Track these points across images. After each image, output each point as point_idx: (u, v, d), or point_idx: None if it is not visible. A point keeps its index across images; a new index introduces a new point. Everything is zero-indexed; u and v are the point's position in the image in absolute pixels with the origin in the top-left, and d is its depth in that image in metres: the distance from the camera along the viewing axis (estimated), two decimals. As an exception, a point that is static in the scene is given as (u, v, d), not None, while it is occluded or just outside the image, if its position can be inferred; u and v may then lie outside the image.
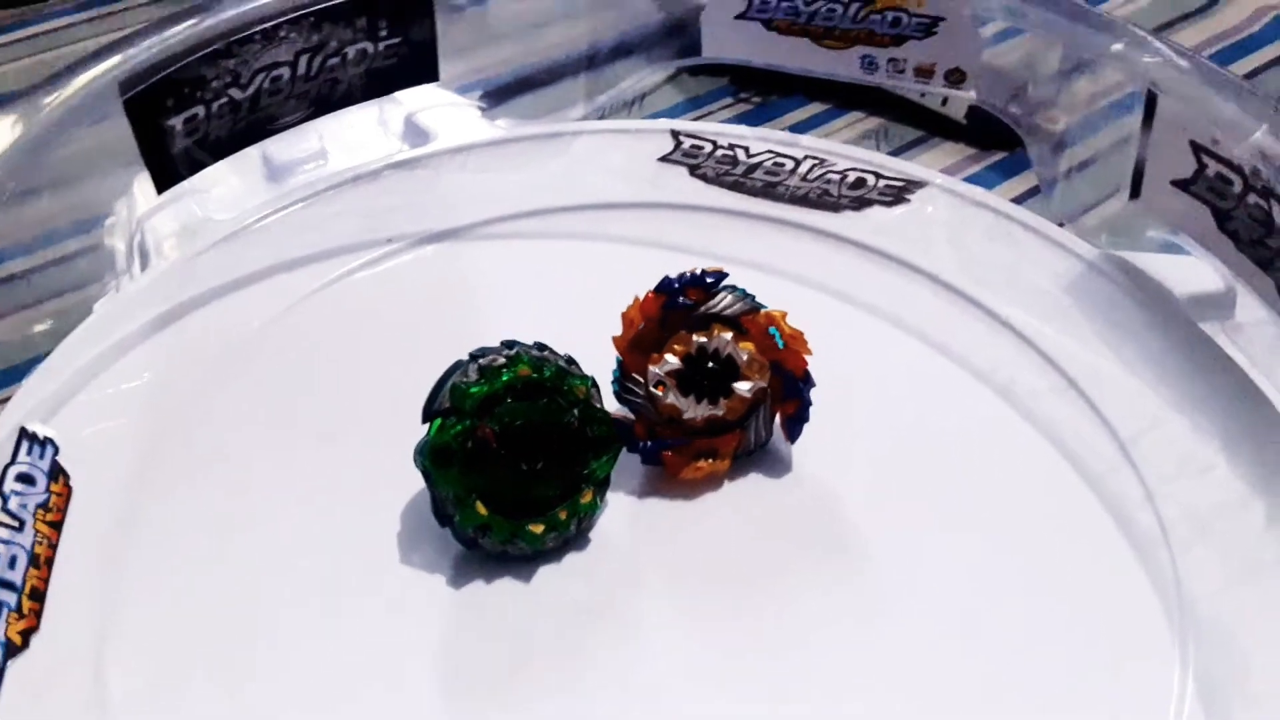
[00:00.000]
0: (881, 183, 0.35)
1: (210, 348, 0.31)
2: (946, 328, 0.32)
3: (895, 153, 0.42)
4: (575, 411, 0.26)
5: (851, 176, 0.35)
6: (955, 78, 0.40)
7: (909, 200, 0.35)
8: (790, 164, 0.36)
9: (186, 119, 0.31)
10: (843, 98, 0.44)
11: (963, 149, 0.43)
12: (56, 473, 0.27)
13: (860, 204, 0.35)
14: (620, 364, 0.28)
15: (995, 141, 0.42)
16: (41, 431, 0.27)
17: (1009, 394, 0.30)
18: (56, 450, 0.27)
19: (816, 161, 0.36)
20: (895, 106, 0.44)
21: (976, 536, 0.27)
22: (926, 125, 0.43)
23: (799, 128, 0.43)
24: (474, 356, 0.26)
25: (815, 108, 0.45)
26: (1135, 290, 0.32)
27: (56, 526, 0.26)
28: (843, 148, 0.37)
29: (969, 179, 0.39)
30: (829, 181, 0.35)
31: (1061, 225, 0.35)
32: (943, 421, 0.30)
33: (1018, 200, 0.39)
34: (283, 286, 0.33)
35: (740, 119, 0.43)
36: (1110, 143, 0.39)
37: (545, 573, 0.26)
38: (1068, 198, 0.37)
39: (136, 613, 0.25)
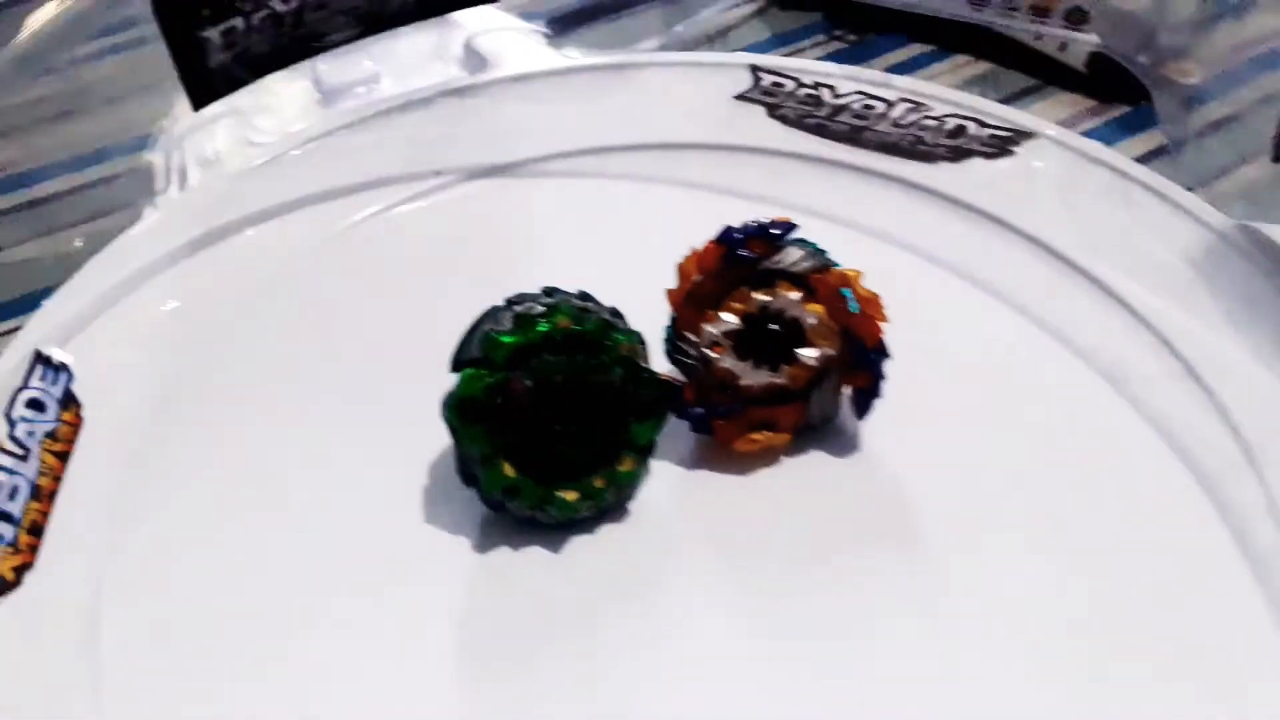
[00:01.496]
0: (985, 131, 0.32)
1: (241, 278, 0.30)
2: (1048, 299, 0.28)
3: (1004, 102, 0.38)
4: (618, 369, 0.24)
5: (951, 123, 0.32)
6: (1075, 18, 0.36)
7: (1015, 153, 0.31)
8: (881, 106, 0.33)
9: (224, 31, 0.29)
10: (948, 39, 0.41)
11: (1080, 101, 0.39)
12: (69, 401, 0.25)
13: (958, 154, 0.31)
14: (673, 320, 0.25)
15: (1118, 94, 0.38)
16: (57, 356, 0.26)
17: (1116, 378, 0.27)
18: (71, 377, 0.26)
19: (911, 105, 0.32)
20: (1007, 50, 0.40)
21: (1065, 540, 0.24)
22: (1041, 73, 0.40)
23: (896, 70, 0.40)
24: (510, 303, 0.24)
25: (916, 49, 0.41)
26: (1272, 269, 0.28)
27: (63, 458, 0.25)
28: (943, 90, 0.33)
29: (1086, 134, 0.36)
30: (924, 128, 0.32)
31: (1191, 190, 0.31)
32: (1036, 405, 0.27)
33: (1141, 161, 0.35)
34: (321, 217, 0.31)
35: (832, 59, 0.40)
36: (1252, 100, 0.35)
37: (577, 543, 0.24)
38: (1199, 160, 0.33)
39: (139, 556, 0.24)
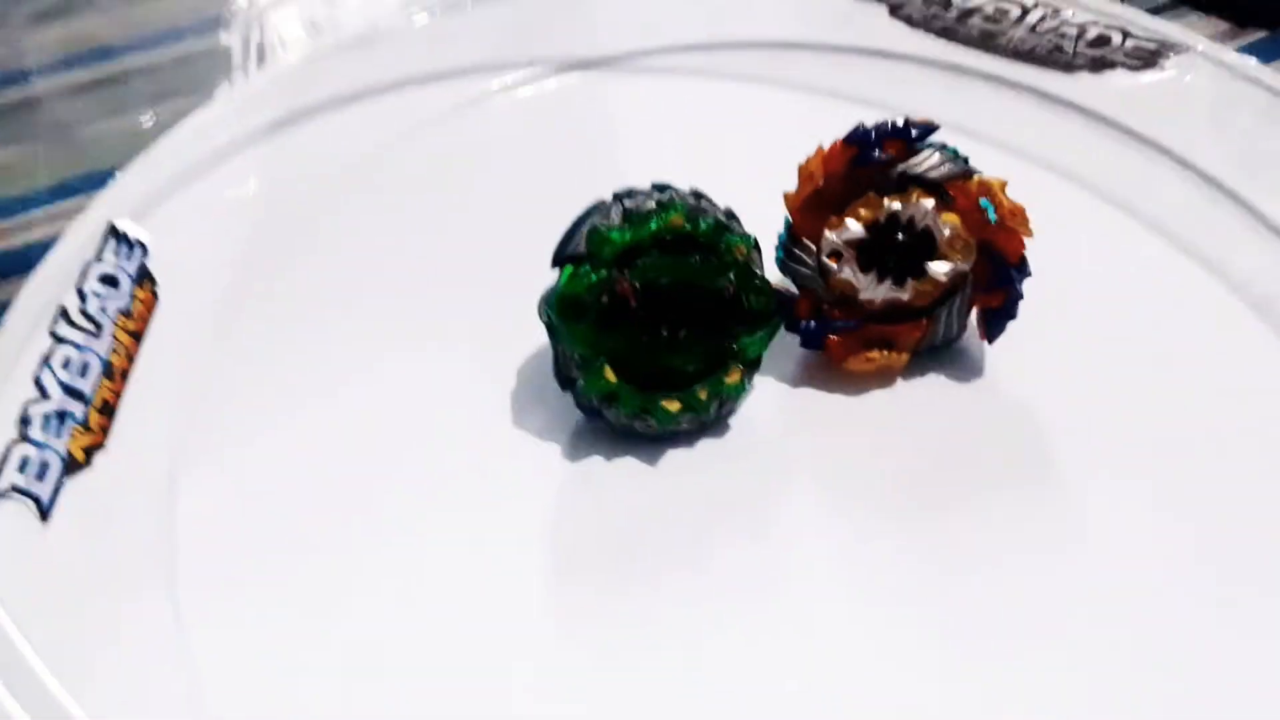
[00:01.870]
0: (1130, 42, 0.29)
1: (324, 163, 0.28)
2: (1197, 225, 0.26)
3: None
4: (731, 275, 0.22)
5: (1092, 32, 0.29)
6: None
7: (1163, 67, 0.29)
8: (1017, 11, 0.30)
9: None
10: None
11: (1214, 23, 0.36)
12: (143, 277, 0.24)
13: (1100, 65, 0.29)
14: (789, 225, 0.24)
15: (1257, 15, 0.35)
16: (132, 232, 0.25)
17: (1268, 312, 0.24)
18: (146, 253, 0.25)
19: (1049, 10, 0.30)
20: None
21: (1201, 487, 0.22)
22: None
23: None
24: (619, 197, 0.22)
25: None
26: None
27: (137, 337, 0.23)
28: (1083, -2, 0.30)
29: None
30: (1063, 36, 0.29)
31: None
32: (1178, 338, 0.24)
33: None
34: (409, 103, 0.29)
35: None
36: None
37: (674, 456, 0.23)
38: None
39: (215, 444, 0.23)
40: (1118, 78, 0.29)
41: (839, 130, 0.23)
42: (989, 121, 0.28)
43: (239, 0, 0.33)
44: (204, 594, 0.20)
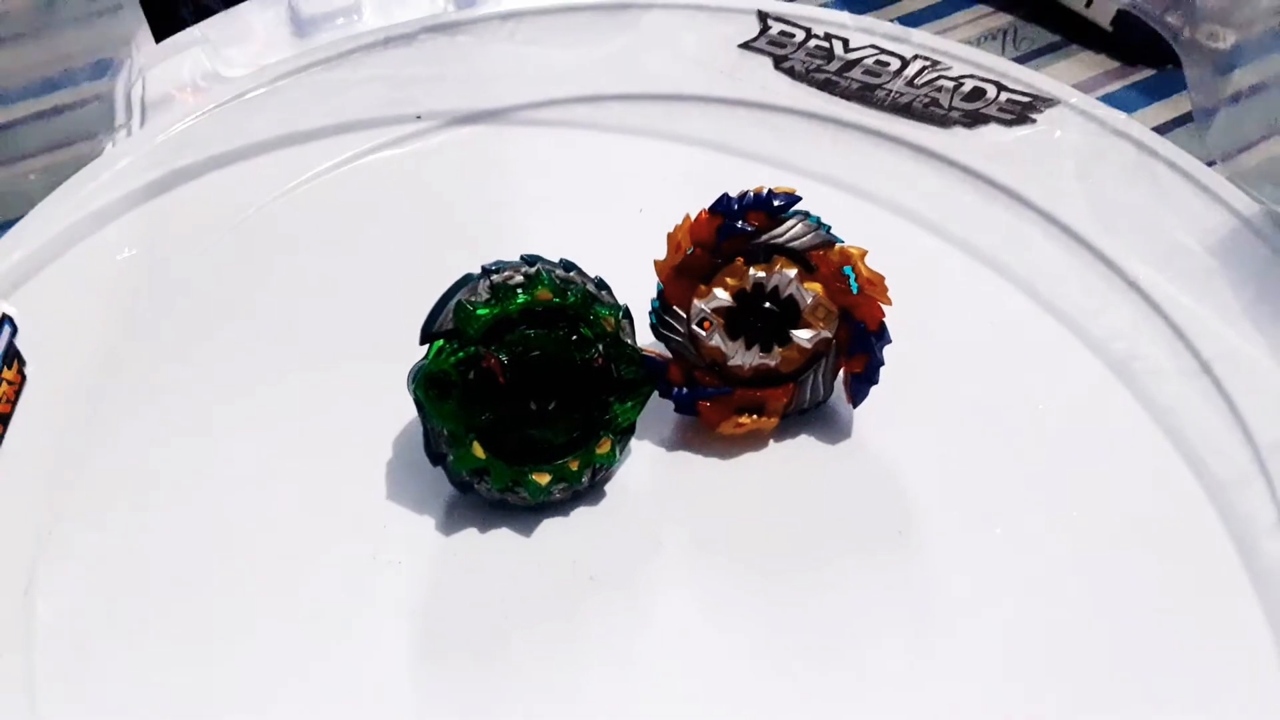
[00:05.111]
0: (1003, 96, 0.30)
1: (201, 226, 0.28)
2: (1059, 281, 0.27)
3: (1023, 59, 0.37)
4: (600, 347, 0.23)
5: (968, 85, 0.30)
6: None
7: (1034, 120, 0.30)
8: (896, 64, 0.31)
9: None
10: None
11: (1104, 61, 0.38)
12: (11, 357, 0.24)
13: (974, 120, 0.30)
14: (660, 293, 0.24)
15: (1143, 56, 0.37)
16: (1, 309, 0.25)
17: (1125, 371, 0.26)
18: (15, 330, 0.25)
19: (928, 64, 0.31)
20: (1028, 2, 0.38)
21: (1061, 541, 0.23)
22: (1064, 28, 0.38)
23: (911, 20, 0.38)
24: (487, 271, 0.23)
25: None
26: (1300, 260, 0.27)
27: (3, 420, 0.23)
28: (962, 49, 0.31)
29: (1106, 98, 0.34)
30: (940, 89, 0.30)
31: (1212, 164, 0.30)
32: (1040, 397, 0.26)
33: (1162, 130, 0.33)
34: (290, 161, 0.29)
35: (843, 3, 0.38)
36: (1285, 69, 0.33)
37: (548, 527, 0.23)
38: (1226, 131, 0.32)
39: (81, 527, 0.23)
40: (991, 133, 0.30)
41: (721, 186, 0.24)
42: (867, 176, 0.29)
43: (125, 49, 0.33)
44: (61, 685, 0.20)
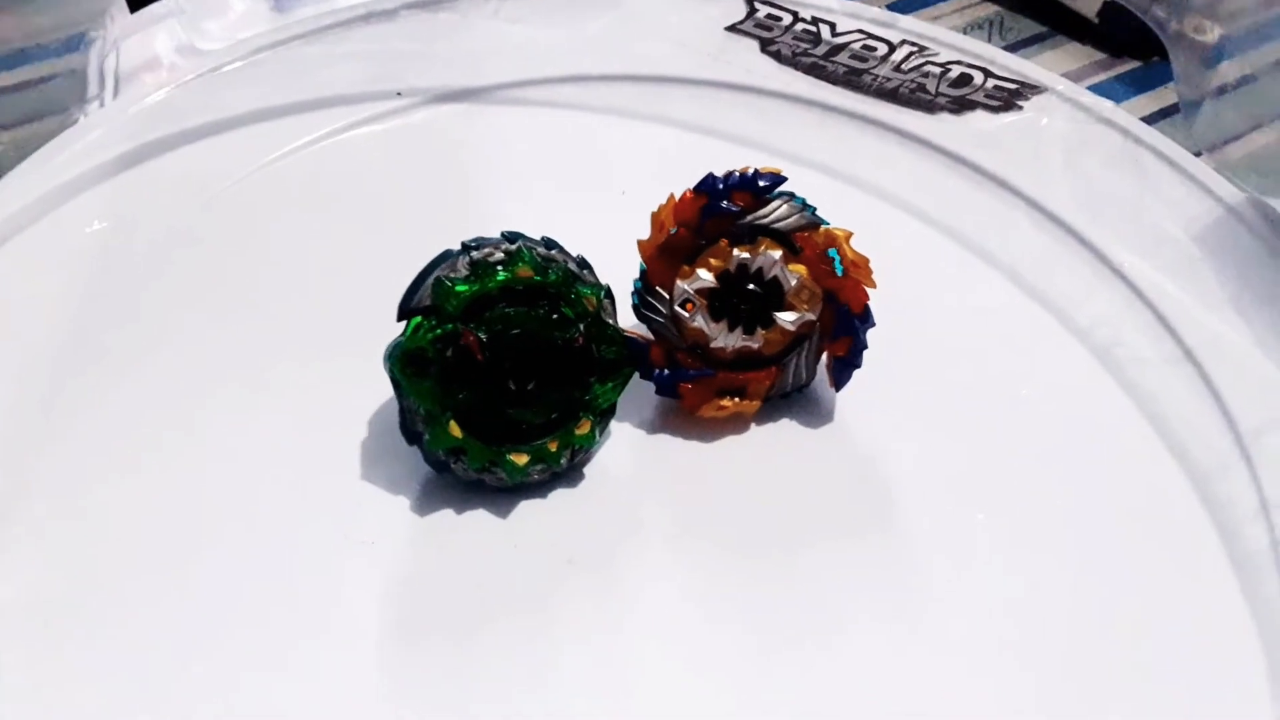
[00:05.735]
0: (990, 83, 0.30)
1: (173, 200, 0.28)
2: (1044, 268, 0.27)
3: (1009, 50, 0.37)
4: (580, 326, 0.22)
5: (955, 71, 0.30)
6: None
7: (1021, 107, 0.30)
8: (883, 49, 0.31)
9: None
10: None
11: (1090, 53, 0.38)
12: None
13: (961, 106, 0.30)
14: (643, 273, 0.24)
15: (1129, 47, 0.37)
16: (-33, 280, 0.24)
17: (1109, 358, 0.26)
18: (-19, 302, 0.24)
19: (915, 49, 0.31)
20: None
21: (1044, 528, 0.23)
22: (1050, 19, 0.38)
23: (897, 9, 0.38)
24: (467, 248, 0.23)
25: None
26: (1282, 248, 0.27)
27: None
28: (949, 35, 0.31)
29: (1092, 89, 0.34)
30: (927, 75, 0.30)
31: (1199, 155, 0.30)
32: (1023, 383, 0.26)
33: (1149, 120, 0.33)
34: (266, 136, 0.29)
35: None
36: (1271, 62, 0.33)
37: (525, 509, 0.23)
38: (1212, 123, 0.32)
39: (41, 513, 0.22)
40: (978, 119, 0.30)
41: (704, 167, 0.24)
42: (853, 161, 0.29)
43: (95, 25, 0.32)
44: (23, 669, 0.20)
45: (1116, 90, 0.36)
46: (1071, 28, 0.38)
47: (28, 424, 0.23)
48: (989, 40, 0.37)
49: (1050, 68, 0.35)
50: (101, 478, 0.23)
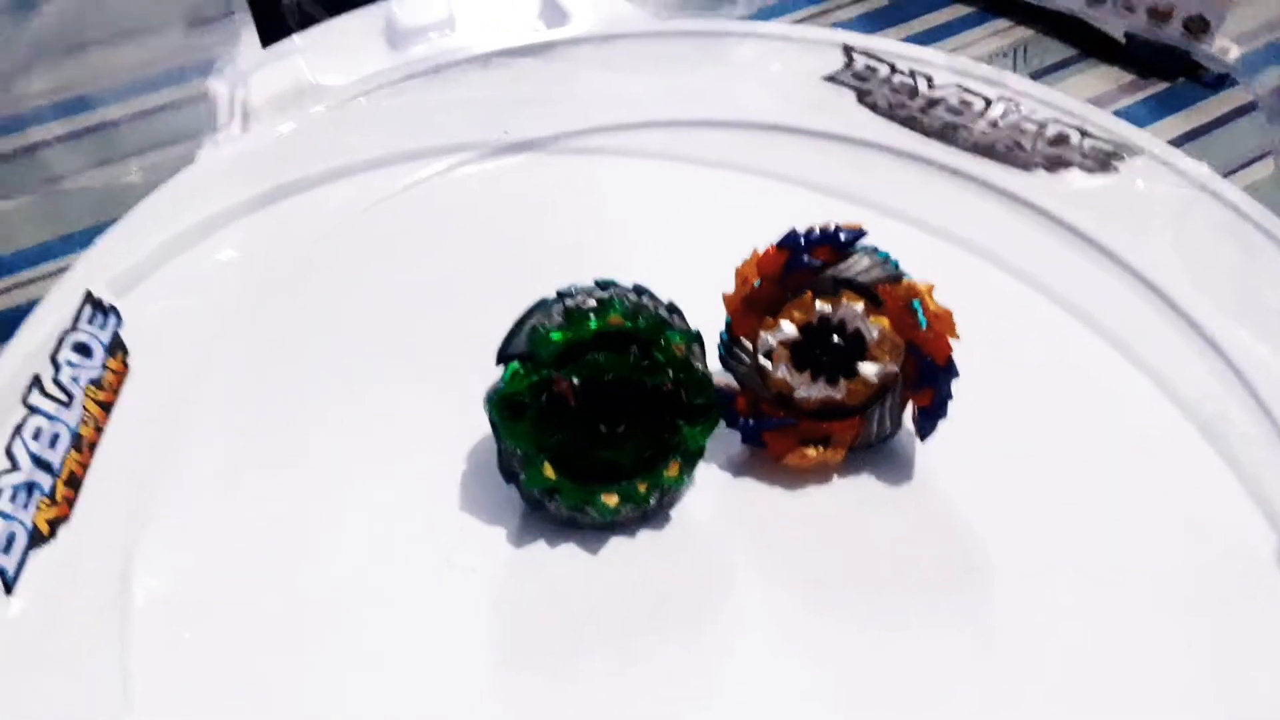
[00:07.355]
0: (1087, 143, 0.30)
1: (298, 235, 0.30)
2: (1137, 331, 0.27)
3: (1040, 73, 0.37)
4: (670, 372, 0.24)
5: (1052, 130, 0.31)
6: (1196, 27, 0.34)
7: (1116, 169, 0.30)
8: (980, 104, 0.31)
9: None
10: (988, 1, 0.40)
11: (1118, 75, 0.38)
12: (116, 347, 0.26)
13: (1056, 164, 0.30)
14: (728, 324, 0.25)
15: (1156, 69, 0.37)
16: (107, 299, 0.26)
17: (1212, 432, 0.26)
18: (120, 322, 0.26)
19: (1012, 105, 0.31)
20: (1044, 17, 0.39)
21: (1132, 594, 0.23)
22: (1078, 42, 0.38)
23: (927, 36, 0.38)
24: (561, 295, 0.24)
25: (955, 11, 0.40)
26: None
27: (106, 408, 0.25)
28: (1048, 93, 0.32)
29: (1120, 112, 0.34)
30: (1023, 132, 0.31)
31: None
32: (1116, 448, 0.26)
33: (1176, 143, 0.33)
34: (384, 176, 0.31)
35: (866, 18, 0.39)
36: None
37: (615, 546, 0.24)
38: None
39: (176, 517, 0.24)
40: (1073, 177, 0.30)
41: (796, 216, 0.24)
42: (945, 215, 0.30)
43: (228, 52, 0.35)
44: (155, 672, 0.22)
45: (1143, 113, 0.36)
46: (1099, 50, 0.38)
47: (159, 437, 0.25)
48: (1014, 67, 0.38)
49: (1079, 90, 0.35)
50: (223, 490, 0.25)
